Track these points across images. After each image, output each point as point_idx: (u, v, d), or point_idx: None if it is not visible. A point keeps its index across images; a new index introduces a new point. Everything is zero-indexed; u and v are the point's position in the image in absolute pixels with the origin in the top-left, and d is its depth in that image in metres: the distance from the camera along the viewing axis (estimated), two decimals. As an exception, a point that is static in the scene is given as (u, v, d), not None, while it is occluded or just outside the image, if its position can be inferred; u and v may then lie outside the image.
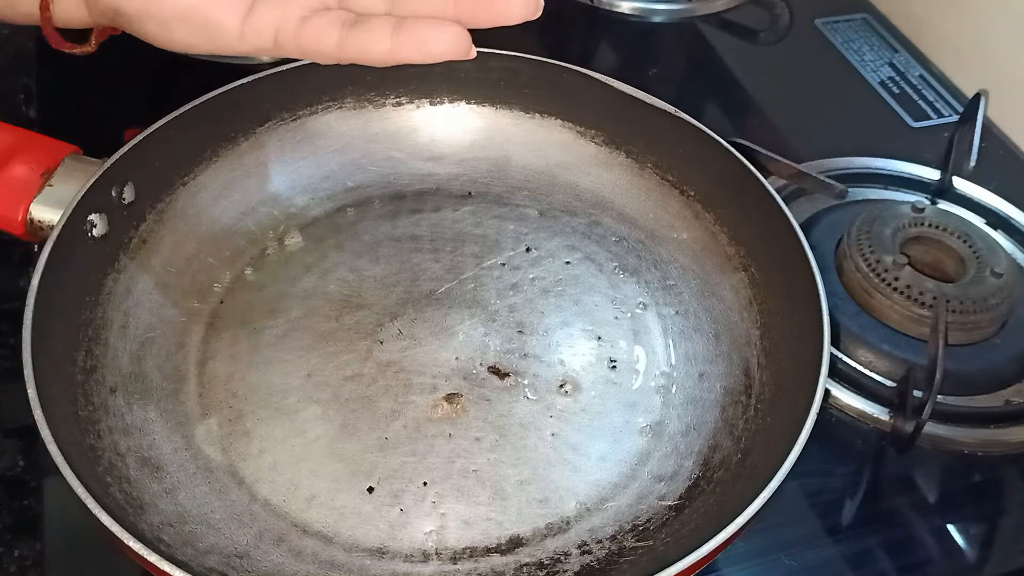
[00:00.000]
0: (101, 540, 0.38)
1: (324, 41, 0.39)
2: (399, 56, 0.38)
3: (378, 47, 0.38)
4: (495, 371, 0.49)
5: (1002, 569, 0.48)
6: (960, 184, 0.64)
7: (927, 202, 0.62)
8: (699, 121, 0.54)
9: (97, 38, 0.45)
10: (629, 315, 0.52)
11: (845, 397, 0.52)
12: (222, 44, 0.40)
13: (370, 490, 0.44)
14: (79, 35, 0.45)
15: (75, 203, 0.46)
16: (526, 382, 0.49)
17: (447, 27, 0.37)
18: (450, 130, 0.59)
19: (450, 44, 0.37)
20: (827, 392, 0.52)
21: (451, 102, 0.59)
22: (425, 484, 0.45)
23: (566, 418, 0.48)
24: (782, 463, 0.40)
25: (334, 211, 0.56)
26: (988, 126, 0.69)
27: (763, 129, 0.69)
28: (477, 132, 0.59)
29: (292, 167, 0.56)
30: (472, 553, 0.43)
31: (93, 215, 0.47)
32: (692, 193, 0.56)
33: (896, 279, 0.54)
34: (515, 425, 0.47)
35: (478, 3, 0.37)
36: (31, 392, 0.40)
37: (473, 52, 0.38)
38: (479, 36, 0.38)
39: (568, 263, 0.55)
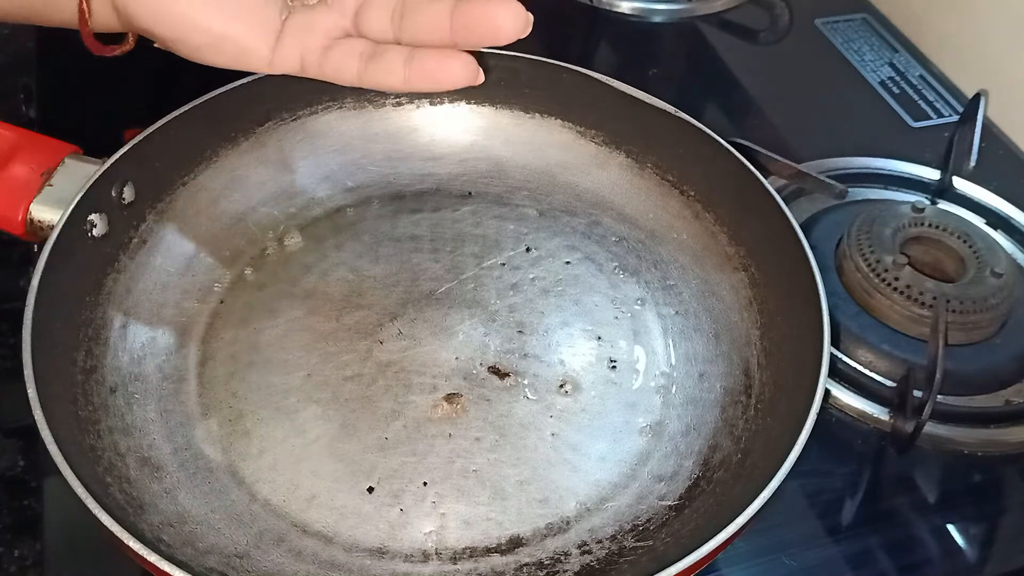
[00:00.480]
0: (101, 540, 0.38)
1: (345, 72, 0.42)
2: (412, 87, 0.41)
3: (393, 79, 0.41)
4: (495, 371, 0.49)
5: (1002, 569, 0.48)
6: (960, 184, 0.64)
7: (927, 202, 0.62)
8: (699, 121, 0.54)
9: (134, 35, 0.46)
10: (629, 315, 0.52)
11: (845, 397, 0.52)
12: (252, 67, 0.44)
13: (370, 490, 0.44)
14: (115, 36, 0.46)
15: (75, 203, 0.46)
16: (526, 382, 0.49)
17: (453, 59, 0.40)
18: (450, 130, 0.59)
19: (456, 74, 0.40)
20: (827, 392, 0.52)
21: (451, 102, 0.59)
22: (425, 484, 0.45)
23: (566, 418, 0.48)
24: (782, 463, 0.40)
25: (334, 211, 0.56)
26: (988, 126, 0.69)
27: (763, 129, 0.69)
28: (477, 132, 0.59)
29: (292, 167, 0.56)
30: (472, 553, 0.43)
31: (93, 215, 0.47)
32: (692, 193, 0.56)
33: (896, 279, 0.54)
34: (515, 425, 0.47)
35: (471, 26, 0.38)
36: (31, 392, 0.40)
37: (481, 78, 0.41)
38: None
39: (568, 263, 0.55)
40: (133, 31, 0.45)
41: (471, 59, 0.40)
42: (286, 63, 0.44)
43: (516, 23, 0.38)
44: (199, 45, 0.43)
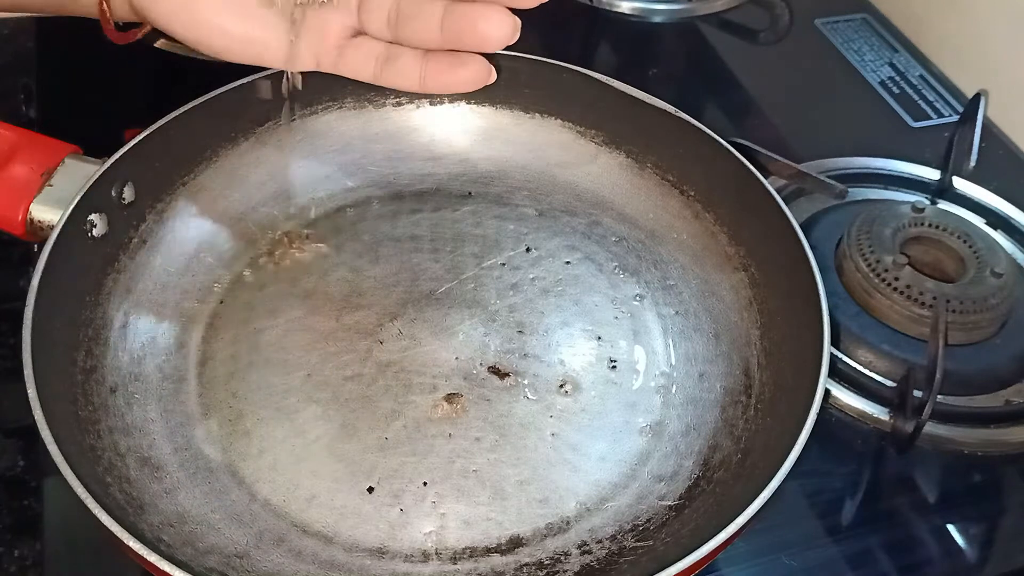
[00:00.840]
0: (101, 540, 0.38)
1: (361, 73, 0.43)
2: (427, 88, 0.42)
3: (408, 82, 0.43)
4: (495, 371, 0.49)
5: (1002, 569, 0.48)
6: (960, 184, 0.64)
7: (927, 202, 0.62)
8: (699, 121, 0.54)
9: None
10: (629, 315, 0.52)
11: (845, 397, 0.52)
12: (268, 64, 0.45)
13: (370, 490, 0.44)
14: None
15: (75, 203, 0.46)
16: (526, 382, 0.49)
17: (464, 64, 0.41)
18: (450, 130, 0.59)
19: (467, 78, 0.41)
20: (827, 392, 0.52)
21: (451, 102, 0.59)
22: (425, 484, 0.45)
23: (566, 418, 0.48)
24: (782, 463, 0.40)
25: (334, 211, 0.56)
26: (988, 126, 0.69)
27: (763, 129, 0.69)
28: (477, 132, 0.59)
29: (292, 167, 0.56)
30: (472, 553, 0.43)
31: (93, 215, 0.47)
32: (692, 193, 0.56)
33: (896, 279, 0.54)
34: (515, 425, 0.47)
35: (458, 34, 0.39)
36: (31, 392, 0.40)
37: (493, 76, 0.42)
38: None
39: (568, 263, 0.55)
40: (148, 22, 0.45)
41: (482, 61, 0.41)
42: (303, 63, 0.44)
43: (503, 31, 0.39)
44: (213, 45, 0.43)
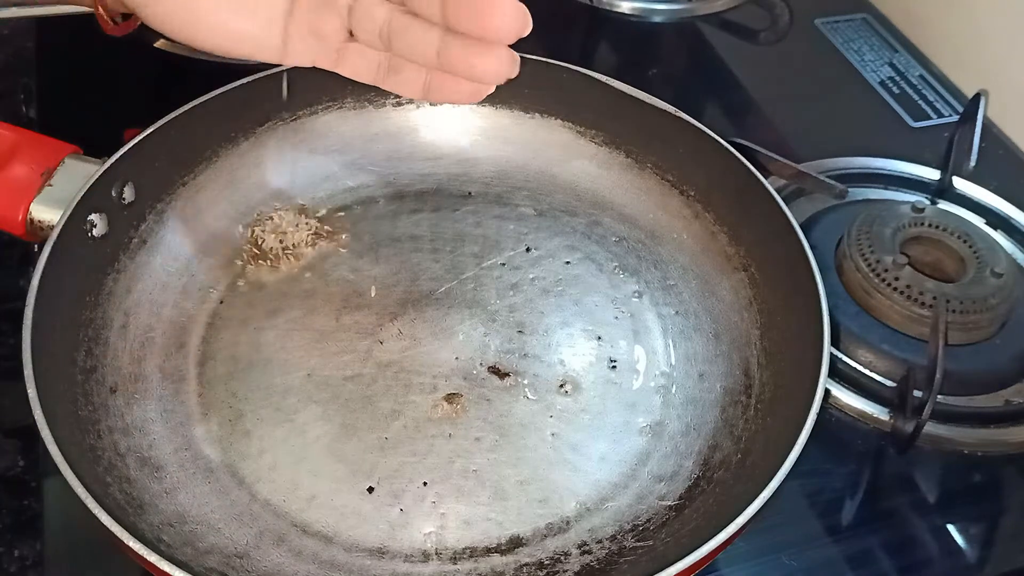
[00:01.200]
0: (101, 540, 0.38)
1: (362, 76, 0.43)
2: (431, 99, 0.43)
3: (412, 91, 0.43)
4: (495, 371, 0.49)
5: (1002, 569, 0.48)
6: (960, 184, 0.64)
7: (927, 202, 0.62)
8: (699, 121, 0.54)
9: None
10: (629, 315, 0.52)
11: (845, 397, 0.52)
12: (267, 59, 0.44)
13: (370, 490, 0.44)
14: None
15: (75, 203, 0.46)
16: (526, 382, 0.49)
17: (465, 82, 0.40)
18: (450, 130, 0.59)
19: (470, 90, 0.41)
20: (827, 392, 0.52)
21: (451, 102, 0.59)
22: (425, 484, 0.45)
23: (566, 418, 0.48)
24: (782, 463, 0.40)
25: (334, 211, 0.56)
26: (988, 126, 0.69)
27: (763, 129, 0.69)
28: (477, 132, 0.59)
29: (292, 167, 0.56)
30: (472, 553, 0.43)
31: (93, 215, 0.47)
32: (692, 193, 0.56)
33: (896, 279, 0.54)
34: (515, 425, 0.47)
35: (457, 66, 0.39)
36: (31, 392, 0.40)
37: (492, 87, 0.41)
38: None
39: (568, 263, 0.55)
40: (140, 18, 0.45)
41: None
42: (299, 59, 0.44)
43: (502, 68, 0.39)
44: (211, 42, 0.43)
